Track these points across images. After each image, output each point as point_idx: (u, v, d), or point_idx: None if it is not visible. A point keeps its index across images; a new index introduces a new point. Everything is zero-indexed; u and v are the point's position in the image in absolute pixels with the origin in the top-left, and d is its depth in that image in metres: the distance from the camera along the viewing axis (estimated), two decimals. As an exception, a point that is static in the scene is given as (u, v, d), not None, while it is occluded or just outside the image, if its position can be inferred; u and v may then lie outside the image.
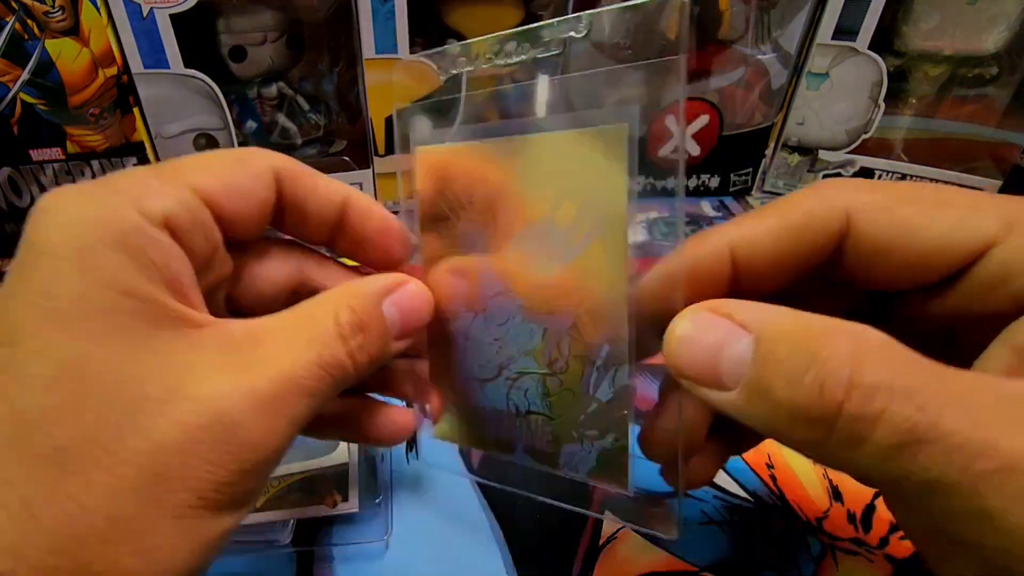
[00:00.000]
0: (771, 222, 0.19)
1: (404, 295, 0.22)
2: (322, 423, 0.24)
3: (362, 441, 0.26)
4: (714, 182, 0.59)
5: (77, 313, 0.16)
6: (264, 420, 0.18)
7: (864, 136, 0.55)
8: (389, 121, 0.50)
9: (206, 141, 0.48)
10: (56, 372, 0.15)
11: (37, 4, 0.39)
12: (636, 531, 0.30)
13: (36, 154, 0.44)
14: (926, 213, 0.18)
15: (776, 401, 0.15)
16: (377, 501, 0.31)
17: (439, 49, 0.23)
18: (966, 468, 0.13)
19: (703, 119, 0.56)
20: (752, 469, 0.33)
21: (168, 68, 0.43)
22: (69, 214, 0.16)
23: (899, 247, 0.18)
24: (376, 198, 0.50)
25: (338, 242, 0.24)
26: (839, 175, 0.57)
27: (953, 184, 0.53)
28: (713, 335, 0.16)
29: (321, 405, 0.19)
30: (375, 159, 0.51)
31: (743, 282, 0.20)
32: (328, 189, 0.23)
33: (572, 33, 0.21)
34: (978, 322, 0.18)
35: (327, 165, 0.51)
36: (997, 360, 0.17)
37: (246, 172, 0.21)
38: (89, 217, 0.16)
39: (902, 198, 0.18)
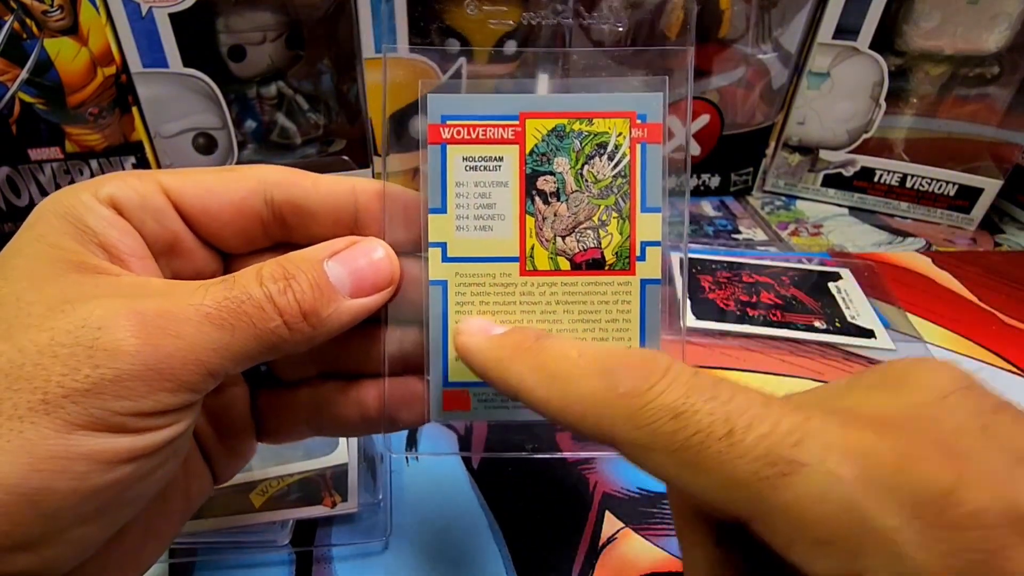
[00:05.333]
0: None
1: (354, 252, 0.22)
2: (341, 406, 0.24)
3: (389, 424, 0.25)
4: (714, 182, 0.59)
5: (16, 262, 0.19)
6: (145, 334, 0.17)
7: (865, 136, 0.55)
8: (389, 120, 0.50)
9: (205, 140, 0.47)
10: None
11: (36, 3, 0.39)
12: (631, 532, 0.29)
13: (35, 153, 0.44)
14: None
15: None
16: (376, 501, 0.31)
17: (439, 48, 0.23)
18: None
19: (704, 119, 0.56)
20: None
21: (167, 67, 0.43)
22: (47, 199, 0.20)
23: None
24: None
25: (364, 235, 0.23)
26: (840, 174, 0.57)
27: (953, 183, 0.53)
28: None
29: (245, 344, 0.18)
30: (375, 159, 0.51)
31: None
32: (330, 181, 0.23)
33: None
34: None
35: (327, 165, 0.51)
36: None
37: (222, 175, 0.22)
38: (55, 198, 0.20)
39: None
